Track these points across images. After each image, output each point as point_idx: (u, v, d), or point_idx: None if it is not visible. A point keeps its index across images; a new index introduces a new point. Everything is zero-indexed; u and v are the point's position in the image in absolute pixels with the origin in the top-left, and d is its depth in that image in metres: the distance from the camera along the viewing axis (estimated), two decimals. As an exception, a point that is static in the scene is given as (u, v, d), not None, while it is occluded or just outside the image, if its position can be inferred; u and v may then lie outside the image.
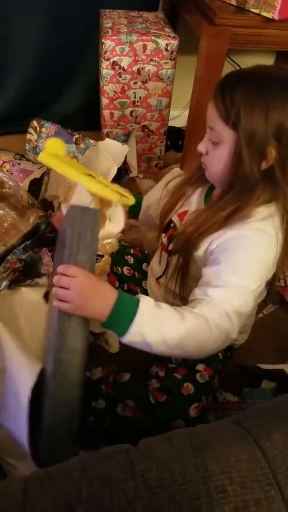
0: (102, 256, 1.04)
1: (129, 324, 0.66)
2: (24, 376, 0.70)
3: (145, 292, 1.10)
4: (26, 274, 1.12)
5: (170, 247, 0.94)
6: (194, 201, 0.92)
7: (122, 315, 0.66)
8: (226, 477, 0.46)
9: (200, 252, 0.82)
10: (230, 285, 0.72)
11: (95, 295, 0.67)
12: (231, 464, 0.47)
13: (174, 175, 1.02)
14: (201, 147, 0.81)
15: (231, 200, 0.78)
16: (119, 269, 1.13)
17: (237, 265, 0.75)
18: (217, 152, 0.78)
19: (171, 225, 0.96)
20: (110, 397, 0.84)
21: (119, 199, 0.92)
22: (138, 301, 0.67)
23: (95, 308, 0.67)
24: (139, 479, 0.45)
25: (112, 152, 1.48)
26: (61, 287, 0.66)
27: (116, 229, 0.90)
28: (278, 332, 1.22)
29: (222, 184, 0.82)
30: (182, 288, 0.89)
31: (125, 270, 1.14)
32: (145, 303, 0.68)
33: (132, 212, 1.08)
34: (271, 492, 0.45)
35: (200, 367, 0.87)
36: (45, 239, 1.25)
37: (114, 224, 0.92)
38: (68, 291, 0.65)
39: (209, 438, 0.51)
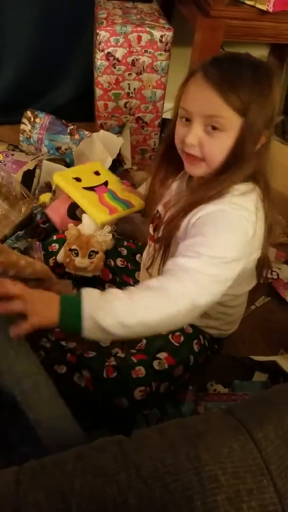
0: (96, 252, 1.04)
1: (79, 317, 0.65)
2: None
3: (138, 283, 1.10)
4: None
5: (156, 236, 0.95)
6: (174, 188, 0.94)
7: (70, 311, 0.66)
8: (218, 467, 0.46)
9: (180, 230, 0.83)
10: (203, 256, 0.71)
11: (40, 303, 0.66)
12: (223, 454, 0.47)
13: None
14: (193, 139, 0.78)
15: (224, 180, 0.79)
16: (112, 261, 1.13)
17: (211, 237, 0.75)
18: (219, 140, 0.78)
19: (157, 215, 0.97)
20: (71, 365, 0.87)
21: (125, 212, 1.13)
22: (80, 294, 0.68)
23: (46, 314, 0.66)
24: (132, 470, 0.45)
25: (106, 143, 1.48)
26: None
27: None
28: (270, 324, 1.23)
29: (213, 169, 0.81)
30: None
31: (119, 261, 1.14)
32: (88, 293, 0.68)
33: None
34: (263, 482, 0.46)
35: (162, 355, 0.89)
36: (38, 230, 1.24)
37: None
38: (24, 307, 0.64)
39: (202, 429, 0.51)
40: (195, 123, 0.78)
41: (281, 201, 1.41)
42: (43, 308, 0.66)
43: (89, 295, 0.68)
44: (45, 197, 1.35)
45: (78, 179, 1.20)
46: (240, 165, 0.78)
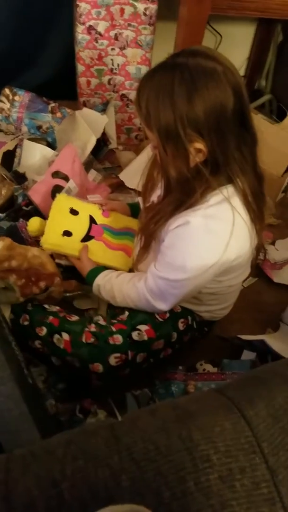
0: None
1: (92, 282, 0.98)
2: None
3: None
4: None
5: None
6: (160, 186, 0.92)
7: (91, 276, 0.99)
8: (210, 446, 0.46)
9: (161, 232, 0.85)
10: (157, 274, 0.84)
11: (84, 264, 1.02)
12: (215, 433, 0.47)
13: None
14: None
15: (173, 200, 0.79)
16: None
17: (168, 257, 0.82)
18: (158, 157, 0.78)
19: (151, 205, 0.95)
20: (52, 328, 0.90)
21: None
22: (102, 269, 1.00)
23: (84, 270, 1.02)
24: (124, 452, 0.44)
25: (90, 122, 1.43)
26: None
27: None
28: (258, 304, 1.24)
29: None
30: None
31: None
32: (104, 273, 0.99)
33: (136, 213, 1.13)
34: (255, 459, 0.46)
35: (142, 327, 0.91)
36: (21, 212, 1.21)
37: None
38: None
39: (194, 409, 0.51)
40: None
41: (269, 181, 1.41)
42: (83, 267, 1.02)
43: (104, 273, 0.98)
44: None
45: (67, 234, 1.06)
46: (180, 182, 0.77)
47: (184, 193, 0.77)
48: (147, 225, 0.86)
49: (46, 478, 0.44)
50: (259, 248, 0.88)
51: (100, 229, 1.11)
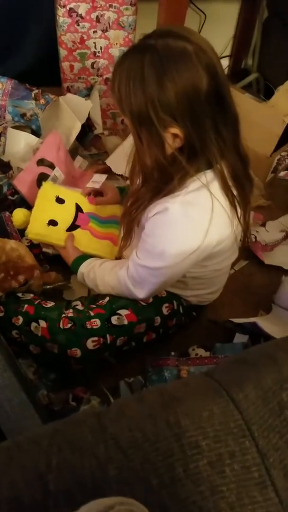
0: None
1: (77, 270, 0.98)
2: None
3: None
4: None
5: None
6: None
7: (76, 264, 0.99)
8: (199, 432, 0.45)
9: (141, 219, 0.84)
10: (138, 261, 0.83)
11: (68, 252, 1.02)
12: (204, 419, 0.46)
13: None
14: None
15: (151, 187, 0.78)
16: None
17: (148, 245, 0.80)
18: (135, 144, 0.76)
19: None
20: (28, 316, 0.90)
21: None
22: (86, 258, 1.00)
23: (68, 259, 1.01)
24: (111, 441, 0.44)
25: (74, 108, 1.40)
26: None
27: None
28: (249, 286, 1.23)
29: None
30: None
31: None
32: (88, 261, 0.98)
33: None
34: (245, 443, 0.45)
35: (123, 312, 0.91)
36: (7, 202, 1.19)
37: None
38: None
39: (181, 394, 0.50)
40: None
41: (257, 161, 1.39)
42: (68, 256, 1.02)
43: (88, 261, 0.98)
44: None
45: (53, 223, 1.04)
46: (157, 170, 0.75)
47: (161, 181, 0.75)
48: (128, 211, 0.85)
49: (32, 470, 0.43)
50: (245, 232, 0.86)
51: (86, 217, 1.09)
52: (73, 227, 1.06)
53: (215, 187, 0.75)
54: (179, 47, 0.65)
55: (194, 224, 0.75)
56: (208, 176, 0.74)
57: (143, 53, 0.66)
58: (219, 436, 0.45)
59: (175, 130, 0.69)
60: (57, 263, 1.07)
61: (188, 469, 0.42)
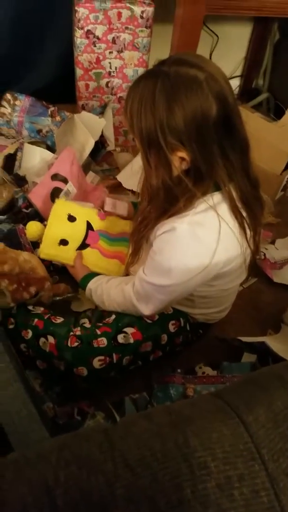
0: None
1: (85, 286, 1.00)
2: None
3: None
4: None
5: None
6: None
7: (85, 281, 1.01)
8: (208, 453, 0.44)
9: (150, 237, 0.85)
10: (144, 278, 0.83)
11: (77, 270, 1.05)
12: (213, 440, 0.46)
13: None
14: None
15: (157, 207, 0.79)
16: None
17: (155, 262, 0.81)
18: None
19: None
20: (38, 330, 0.91)
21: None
22: (94, 275, 1.02)
23: (78, 276, 1.04)
24: (119, 459, 0.43)
25: (88, 125, 1.43)
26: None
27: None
28: (257, 304, 1.22)
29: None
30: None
31: None
32: (96, 277, 1.01)
33: None
34: (254, 467, 0.44)
35: (129, 330, 0.91)
36: (21, 214, 1.21)
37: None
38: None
39: (190, 414, 0.49)
40: None
41: (267, 179, 1.40)
42: (77, 273, 1.04)
43: (96, 278, 1.00)
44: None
45: (64, 242, 1.06)
46: (163, 190, 0.76)
47: (166, 201, 0.77)
48: (137, 228, 0.86)
49: (40, 484, 0.43)
50: (255, 253, 0.86)
51: (96, 235, 1.10)
52: (83, 246, 1.08)
53: (223, 208, 0.75)
54: (191, 75, 0.67)
55: (202, 244, 0.75)
56: (216, 198, 0.75)
57: (156, 79, 0.69)
58: (228, 458, 0.44)
59: (182, 153, 0.71)
60: (66, 274, 1.08)
61: (197, 490, 0.42)
